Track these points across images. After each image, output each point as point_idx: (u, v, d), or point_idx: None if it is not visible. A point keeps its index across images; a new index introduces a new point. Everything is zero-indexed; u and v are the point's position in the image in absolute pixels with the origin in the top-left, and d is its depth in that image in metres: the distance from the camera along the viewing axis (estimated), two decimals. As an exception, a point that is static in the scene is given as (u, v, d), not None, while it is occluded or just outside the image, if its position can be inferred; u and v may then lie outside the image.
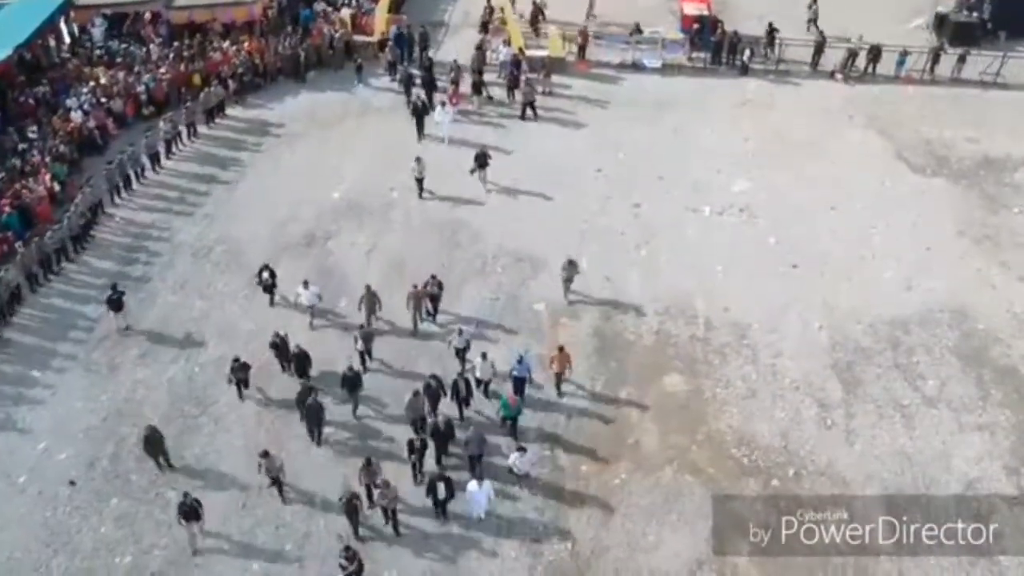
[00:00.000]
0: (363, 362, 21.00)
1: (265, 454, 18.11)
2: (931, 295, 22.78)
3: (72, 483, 18.85)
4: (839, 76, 30.39)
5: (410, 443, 18.54)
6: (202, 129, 28.48)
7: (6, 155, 25.43)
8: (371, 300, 21.72)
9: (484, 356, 20.13)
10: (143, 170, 26.31)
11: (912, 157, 27.37)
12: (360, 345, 20.95)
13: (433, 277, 22.08)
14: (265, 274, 22.59)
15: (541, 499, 18.44)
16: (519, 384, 19.78)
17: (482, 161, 25.58)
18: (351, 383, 19.95)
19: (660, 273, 23.47)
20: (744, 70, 30.74)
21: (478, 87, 29.51)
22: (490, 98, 29.51)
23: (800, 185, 26.10)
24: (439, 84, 29.58)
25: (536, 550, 17.55)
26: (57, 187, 24.88)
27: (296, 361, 20.55)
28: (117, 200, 25.75)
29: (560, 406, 20.23)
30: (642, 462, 19.24)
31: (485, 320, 22.27)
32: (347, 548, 16.80)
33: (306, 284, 21.96)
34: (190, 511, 17.40)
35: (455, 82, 28.80)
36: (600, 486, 18.67)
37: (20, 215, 23.71)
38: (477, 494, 17.74)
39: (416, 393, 19.24)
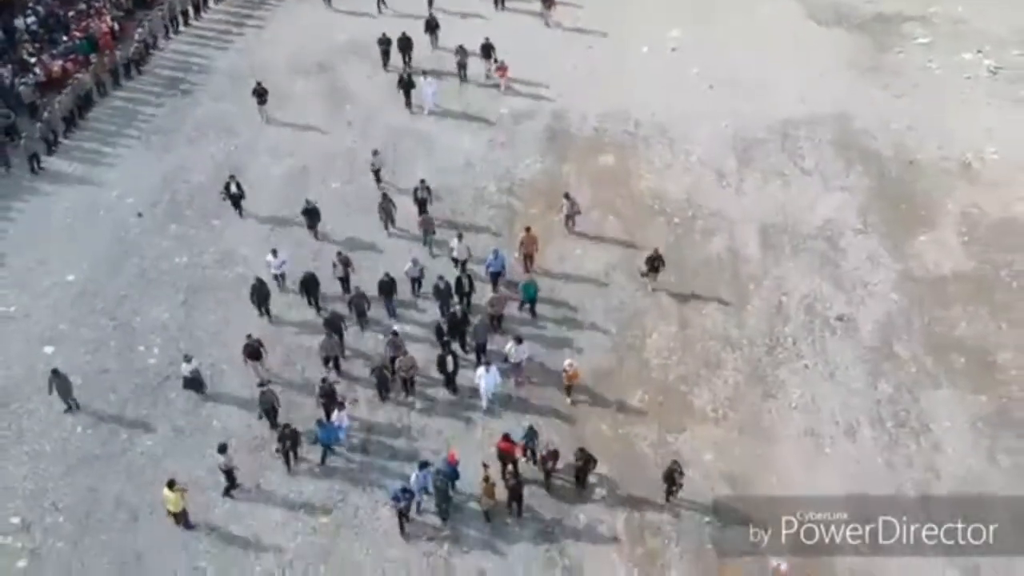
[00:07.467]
0: (344, 286, 21.63)
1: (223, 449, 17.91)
2: (819, 105, 28.32)
3: (140, 215, 24.80)
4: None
5: (438, 327, 20.48)
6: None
7: (75, 1, 31.26)
8: (388, 206, 23.13)
9: (460, 237, 22.08)
10: (187, 16, 32.11)
11: (820, 16, 32.76)
12: (340, 271, 21.56)
13: (422, 182, 23.86)
14: (233, 186, 23.94)
15: (495, 231, 24.11)
16: (495, 278, 21.73)
17: (655, 266, 22.24)
18: (387, 288, 21.20)
19: (602, 90, 29.03)
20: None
21: None
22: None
23: (723, 35, 31.42)
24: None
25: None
26: (116, 27, 30.68)
27: (305, 287, 21.44)
28: (164, 42, 31.54)
29: (516, 172, 25.91)
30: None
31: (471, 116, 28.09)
32: (323, 380, 19.07)
33: (275, 253, 21.82)
34: (254, 351, 19.60)
35: (462, 65, 29.33)
36: (543, 222, 24.26)
37: (88, 43, 29.57)
38: (486, 377, 19.34)
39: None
